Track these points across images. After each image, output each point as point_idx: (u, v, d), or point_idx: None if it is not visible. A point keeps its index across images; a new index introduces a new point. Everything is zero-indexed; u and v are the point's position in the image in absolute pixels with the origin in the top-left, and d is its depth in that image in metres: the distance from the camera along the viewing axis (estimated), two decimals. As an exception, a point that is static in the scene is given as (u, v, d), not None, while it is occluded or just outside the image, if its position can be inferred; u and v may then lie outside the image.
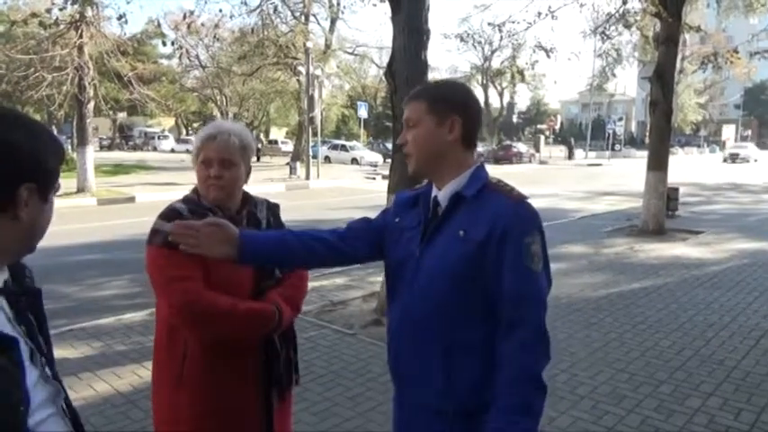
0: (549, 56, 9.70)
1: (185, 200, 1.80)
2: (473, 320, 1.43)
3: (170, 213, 1.72)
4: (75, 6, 11.96)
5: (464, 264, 1.40)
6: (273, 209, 1.95)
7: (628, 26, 12.70)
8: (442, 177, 1.49)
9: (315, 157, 22.28)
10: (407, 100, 1.53)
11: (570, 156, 40.37)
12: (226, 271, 1.64)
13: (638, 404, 3.56)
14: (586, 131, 45.84)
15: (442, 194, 1.48)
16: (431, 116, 1.45)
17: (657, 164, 9.96)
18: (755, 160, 39.12)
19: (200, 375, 1.72)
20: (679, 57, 11.25)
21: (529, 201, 1.46)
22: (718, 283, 6.61)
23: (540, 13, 10.09)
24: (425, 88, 1.55)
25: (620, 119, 47.24)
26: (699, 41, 34.58)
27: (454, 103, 1.47)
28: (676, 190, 11.74)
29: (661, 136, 10.08)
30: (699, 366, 4.16)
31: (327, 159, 30.73)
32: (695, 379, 3.94)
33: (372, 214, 1.72)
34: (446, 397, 1.44)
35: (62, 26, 13.65)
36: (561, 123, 67.05)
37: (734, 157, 39.10)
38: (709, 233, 10.03)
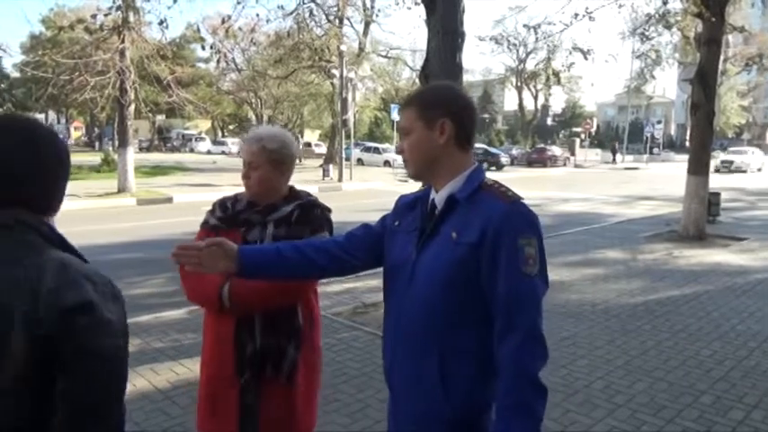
0: (586, 57, 9.55)
1: (234, 195, 2.12)
2: (468, 325, 1.41)
3: (213, 204, 2.13)
4: (119, 12, 12.31)
5: (457, 267, 1.40)
6: (306, 207, 2.04)
7: (668, 27, 12.44)
8: (439, 180, 1.50)
9: (348, 159, 22.41)
10: (400, 108, 1.56)
11: (614, 160, 39.26)
12: None
13: (678, 414, 3.46)
14: (623, 134, 44.89)
15: (439, 197, 1.49)
16: (421, 122, 1.47)
17: (698, 168, 9.68)
18: (759, 169, 31.83)
19: (204, 350, 2.06)
20: (721, 58, 10.92)
21: (524, 201, 1.44)
22: (762, 291, 6.38)
23: (576, 15, 9.95)
24: (415, 95, 1.56)
25: (659, 122, 46.05)
26: (742, 42, 33.48)
27: (442, 105, 1.47)
28: (718, 195, 11.39)
29: (702, 139, 9.79)
30: (742, 378, 4.03)
31: (360, 162, 30.86)
32: (738, 390, 3.81)
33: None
34: (443, 404, 1.42)
35: (105, 31, 14.07)
36: (597, 126, 65.85)
37: (727, 166, 30.80)
38: (752, 239, 9.70)
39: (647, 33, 13.44)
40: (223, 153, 44.19)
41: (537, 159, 35.96)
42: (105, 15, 10.71)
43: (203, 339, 2.08)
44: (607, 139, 50.73)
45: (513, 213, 1.39)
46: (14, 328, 0.93)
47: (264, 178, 1.98)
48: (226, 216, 2.03)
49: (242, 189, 2.08)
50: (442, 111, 1.46)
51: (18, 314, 0.93)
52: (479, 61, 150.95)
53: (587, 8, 9.79)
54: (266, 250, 1.68)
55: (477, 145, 36.85)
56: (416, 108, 1.48)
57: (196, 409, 2.09)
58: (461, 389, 1.42)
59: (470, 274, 1.39)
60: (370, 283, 6.38)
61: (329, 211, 2.11)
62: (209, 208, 2.12)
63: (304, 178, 21.22)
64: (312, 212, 2.04)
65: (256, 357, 1.95)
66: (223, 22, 8.83)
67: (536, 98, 55.45)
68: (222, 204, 2.08)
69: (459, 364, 1.42)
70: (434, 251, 1.44)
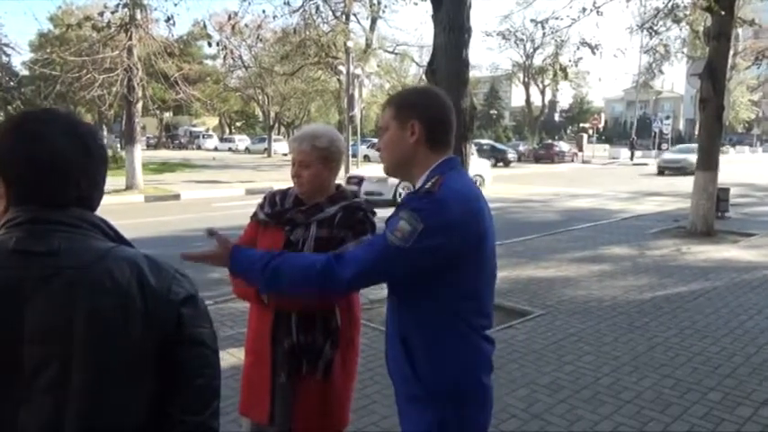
0: (593, 53, 9.43)
1: (285, 189, 2.15)
2: (411, 300, 1.52)
3: (264, 197, 2.18)
4: (126, 10, 12.36)
5: None
6: (349, 209, 2.03)
7: (677, 21, 12.30)
8: (412, 178, 1.60)
9: (354, 155, 22.39)
10: (382, 107, 1.67)
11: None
12: (264, 246, 2.02)
13: (685, 411, 3.45)
14: (631, 130, 44.60)
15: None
16: (395, 121, 1.57)
17: (707, 163, 9.62)
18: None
19: (247, 341, 2.15)
20: (731, 52, 10.82)
21: (439, 197, 1.44)
22: (771, 287, 6.34)
23: (584, 9, 9.86)
24: (394, 95, 1.69)
25: (668, 117, 45.71)
26: (752, 36, 33.15)
27: (414, 107, 1.57)
28: (727, 190, 11.32)
29: (711, 134, 9.72)
30: (750, 374, 4.01)
31: (367, 158, 30.81)
32: (746, 387, 3.79)
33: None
34: (415, 383, 1.52)
35: (113, 29, 14.12)
36: (605, 122, 65.42)
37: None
38: (761, 235, 9.63)
39: (655, 28, 13.29)
40: (230, 150, 44.34)
41: (544, 155, 35.82)
42: (113, 13, 10.76)
43: (247, 330, 2.16)
44: (615, 135, 50.31)
45: (415, 197, 1.48)
46: (132, 323, 0.97)
47: (315, 176, 2.01)
48: (273, 212, 2.07)
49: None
50: (414, 112, 1.55)
51: (133, 309, 0.98)
52: (486, 57, 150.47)
53: (595, 2, 9.68)
54: (254, 254, 1.64)
55: (484, 141, 36.88)
56: (393, 108, 1.58)
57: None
58: (423, 364, 1.50)
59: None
60: (376, 280, 6.38)
61: (373, 213, 2.09)
62: (260, 201, 2.17)
63: (311, 175, 21.23)
64: (355, 215, 2.03)
65: (293, 353, 1.99)
66: (230, 18, 8.88)
67: (543, 94, 55.11)
68: (272, 199, 2.12)
69: (416, 340, 1.51)
70: None
